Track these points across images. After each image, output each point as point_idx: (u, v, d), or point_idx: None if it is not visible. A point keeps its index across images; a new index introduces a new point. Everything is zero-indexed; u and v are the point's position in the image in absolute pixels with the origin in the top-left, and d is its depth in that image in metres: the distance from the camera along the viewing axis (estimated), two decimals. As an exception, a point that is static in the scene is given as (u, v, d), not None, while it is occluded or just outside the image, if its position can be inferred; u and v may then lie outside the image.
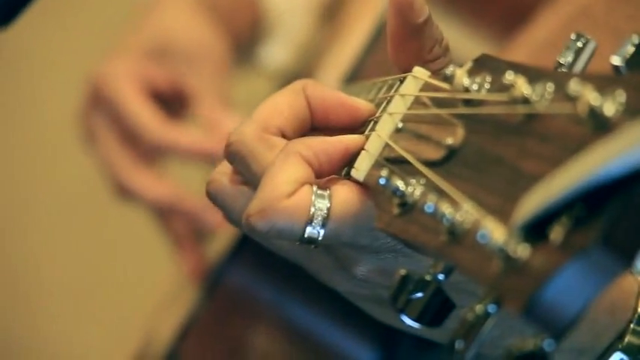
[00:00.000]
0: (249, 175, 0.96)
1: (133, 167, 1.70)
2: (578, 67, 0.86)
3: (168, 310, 1.85)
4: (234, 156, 0.95)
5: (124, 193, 1.72)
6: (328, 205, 0.92)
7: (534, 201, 0.72)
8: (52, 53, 2.79)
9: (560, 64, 0.85)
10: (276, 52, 1.89)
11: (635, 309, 1.00)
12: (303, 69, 1.83)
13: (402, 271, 0.87)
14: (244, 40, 1.86)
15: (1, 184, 2.82)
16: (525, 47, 1.50)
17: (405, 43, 0.94)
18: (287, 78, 1.84)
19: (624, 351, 0.99)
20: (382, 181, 0.86)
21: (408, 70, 0.95)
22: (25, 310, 2.77)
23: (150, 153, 1.72)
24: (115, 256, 2.69)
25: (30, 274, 2.82)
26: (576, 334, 1.00)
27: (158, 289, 2.00)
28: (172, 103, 1.77)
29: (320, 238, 0.92)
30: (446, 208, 0.79)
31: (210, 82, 1.76)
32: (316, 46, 1.89)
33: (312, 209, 0.91)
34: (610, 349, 1.00)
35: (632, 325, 1.00)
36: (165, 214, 1.75)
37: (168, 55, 1.74)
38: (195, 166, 1.74)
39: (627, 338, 1.00)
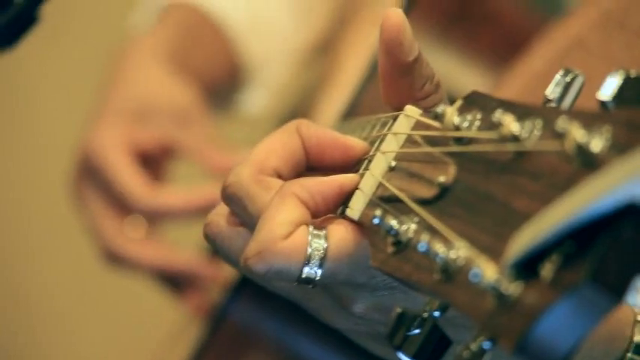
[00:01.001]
0: (246, 217, 0.97)
1: (122, 234, 1.73)
2: (567, 101, 0.86)
3: (173, 346, 1.85)
4: (230, 198, 0.96)
5: (115, 260, 1.75)
6: (325, 245, 0.92)
7: (525, 239, 0.73)
8: (49, 81, 2.80)
9: (549, 100, 0.85)
10: (256, 98, 1.90)
11: (631, 338, 1.01)
12: (298, 109, 1.85)
13: (399, 309, 0.88)
14: (222, 88, 1.88)
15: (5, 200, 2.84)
16: (521, 78, 1.51)
17: (396, 82, 0.95)
18: (274, 121, 1.86)
19: None
20: (376, 221, 0.87)
21: (400, 108, 0.96)
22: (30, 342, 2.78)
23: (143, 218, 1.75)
24: (120, 292, 2.69)
25: (36, 309, 2.83)
26: None
27: (163, 324, 2.01)
28: (157, 160, 1.80)
29: (317, 278, 0.93)
30: (439, 247, 0.80)
31: (195, 132, 1.78)
32: (303, 88, 1.91)
33: (309, 249, 0.92)
34: None
35: (628, 355, 1.00)
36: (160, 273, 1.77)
37: (150, 117, 1.76)
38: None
39: None
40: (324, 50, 1.87)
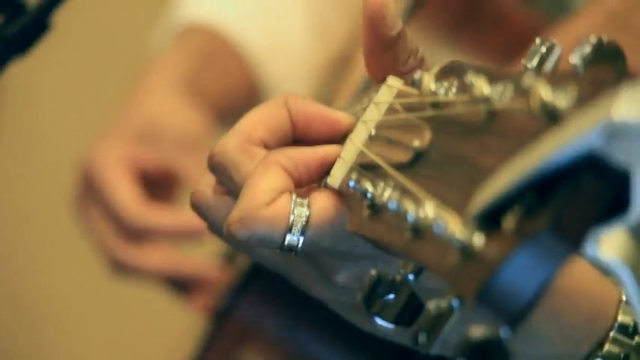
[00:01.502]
0: (231, 186, 0.98)
1: (126, 245, 1.75)
2: (545, 70, 0.87)
3: (178, 344, 1.87)
4: (217, 167, 0.98)
5: (121, 269, 1.77)
6: (307, 212, 0.94)
7: (487, 192, 0.74)
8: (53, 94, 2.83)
9: (527, 69, 0.87)
10: None
11: (615, 317, 1.01)
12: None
13: (373, 273, 0.89)
14: (240, 111, 1.90)
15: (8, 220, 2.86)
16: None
17: (380, 56, 0.96)
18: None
19: (604, 358, 1.00)
20: (351, 184, 0.88)
21: (384, 81, 0.97)
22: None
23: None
24: (127, 297, 2.71)
25: (42, 314, 2.84)
26: (555, 341, 1.00)
27: (170, 329, 2.02)
28: (162, 184, 1.82)
29: (300, 246, 0.94)
30: (409, 206, 0.81)
31: (200, 160, 1.81)
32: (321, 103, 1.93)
33: (292, 217, 0.93)
34: (590, 357, 1.00)
35: (612, 334, 1.00)
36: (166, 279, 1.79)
37: (155, 140, 1.79)
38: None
39: (607, 347, 1.00)
40: (342, 68, 1.89)
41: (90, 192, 1.80)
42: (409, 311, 0.90)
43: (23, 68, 1.29)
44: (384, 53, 0.96)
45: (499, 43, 1.72)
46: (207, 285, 1.80)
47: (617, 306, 1.02)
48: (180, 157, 1.82)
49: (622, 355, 0.99)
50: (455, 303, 0.79)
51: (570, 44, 1.37)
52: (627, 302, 0.99)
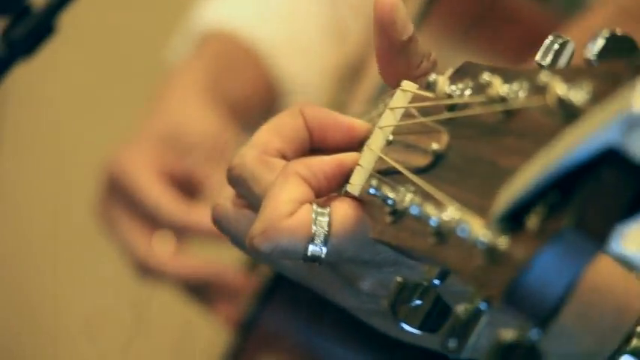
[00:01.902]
0: (251, 198, 0.98)
1: (151, 248, 1.75)
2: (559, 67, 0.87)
3: (202, 356, 1.87)
4: (236, 180, 0.98)
5: (147, 272, 1.77)
6: (329, 222, 0.93)
7: (509, 193, 0.73)
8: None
9: (540, 66, 0.86)
10: None
11: None
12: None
13: (399, 279, 0.89)
14: (259, 114, 1.90)
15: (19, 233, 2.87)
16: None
17: (393, 61, 0.96)
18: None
19: (632, 354, 0.99)
20: (372, 191, 0.88)
21: (398, 86, 0.97)
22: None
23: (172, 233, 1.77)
24: (152, 306, 2.71)
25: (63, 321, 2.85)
26: (582, 338, 1.00)
27: (196, 339, 2.02)
28: (187, 189, 1.82)
29: (323, 256, 0.94)
30: (431, 210, 0.81)
31: (222, 168, 1.81)
32: (339, 108, 1.93)
33: (314, 227, 0.93)
34: (617, 353, 1.00)
35: (639, 328, 1.00)
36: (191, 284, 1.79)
37: (180, 145, 1.79)
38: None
39: (634, 342, 0.99)
40: (361, 69, 1.89)
41: (117, 195, 1.81)
42: (436, 316, 0.89)
43: (28, 70, 1.30)
44: (397, 58, 0.96)
45: (512, 42, 1.71)
46: (232, 293, 1.80)
47: None
48: (203, 163, 1.83)
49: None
50: (482, 306, 0.79)
51: (584, 40, 1.36)
52: None
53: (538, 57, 0.87)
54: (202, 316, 1.90)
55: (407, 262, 0.95)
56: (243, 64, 1.94)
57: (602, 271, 0.97)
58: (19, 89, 2.64)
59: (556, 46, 0.87)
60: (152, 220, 1.79)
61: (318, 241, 0.93)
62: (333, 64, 1.92)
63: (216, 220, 0.99)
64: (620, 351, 0.99)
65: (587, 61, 0.80)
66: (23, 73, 1.32)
